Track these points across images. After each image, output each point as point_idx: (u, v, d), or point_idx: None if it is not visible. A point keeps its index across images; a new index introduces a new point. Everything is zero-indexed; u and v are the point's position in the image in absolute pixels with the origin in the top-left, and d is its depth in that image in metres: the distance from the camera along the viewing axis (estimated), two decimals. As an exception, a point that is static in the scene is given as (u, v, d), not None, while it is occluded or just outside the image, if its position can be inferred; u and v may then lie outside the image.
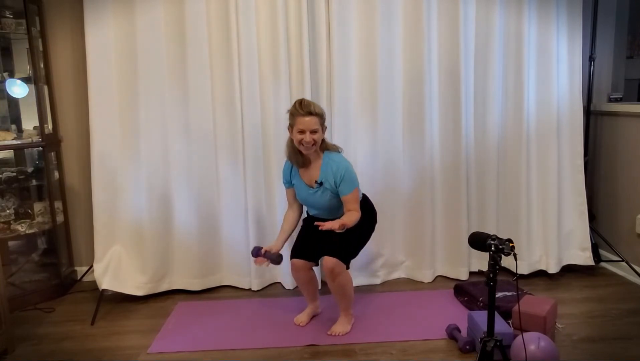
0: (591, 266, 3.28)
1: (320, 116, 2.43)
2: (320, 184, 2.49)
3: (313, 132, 2.40)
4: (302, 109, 2.40)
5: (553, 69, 3.14)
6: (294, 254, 2.61)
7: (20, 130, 3.19)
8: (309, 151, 2.46)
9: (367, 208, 2.63)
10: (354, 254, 2.57)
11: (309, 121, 2.39)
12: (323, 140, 2.52)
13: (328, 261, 2.44)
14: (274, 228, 3.16)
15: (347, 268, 2.50)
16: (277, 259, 2.55)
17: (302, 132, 2.40)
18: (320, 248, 2.57)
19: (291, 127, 2.47)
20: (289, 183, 2.64)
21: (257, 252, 2.56)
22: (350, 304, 2.61)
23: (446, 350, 2.41)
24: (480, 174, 3.25)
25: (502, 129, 3.21)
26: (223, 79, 3.01)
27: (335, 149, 2.56)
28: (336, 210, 2.55)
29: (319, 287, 3.15)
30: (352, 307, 2.64)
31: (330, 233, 2.43)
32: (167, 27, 2.97)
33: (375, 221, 2.69)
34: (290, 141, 2.52)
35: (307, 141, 2.40)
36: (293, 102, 3.02)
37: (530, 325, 2.32)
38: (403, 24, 3.07)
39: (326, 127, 2.53)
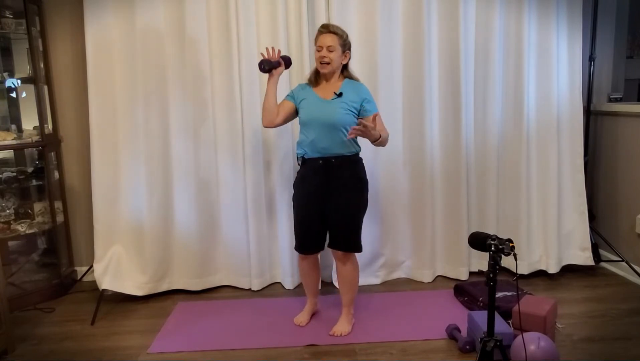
0: (591, 266, 3.28)
1: (340, 37, 2.44)
2: (340, 94, 2.46)
3: (329, 50, 2.41)
4: (323, 28, 2.45)
5: (553, 69, 3.14)
6: (300, 250, 2.60)
7: (20, 130, 3.19)
8: (325, 70, 2.45)
9: (361, 181, 2.53)
10: (360, 233, 2.55)
11: (325, 38, 2.41)
12: (346, 68, 2.54)
13: (342, 254, 2.53)
14: (274, 228, 3.17)
15: (361, 251, 2.56)
16: (285, 62, 2.50)
17: (319, 49, 2.43)
18: (323, 234, 2.56)
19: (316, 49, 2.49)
20: (291, 97, 2.56)
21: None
22: (354, 297, 2.62)
23: (446, 350, 2.41)
24: (480, 174, 3.25)
25: (502, 129, 3.21)
26: (223, 79, 3.01)
27: (357, 80, 2.57)
28: (340, 140, 2.43)
29: (319, 286, 3.16)
30: (353, 304, 2.65)
31: (329, 218, 2.49)
32: (167, 27, 2.97)
33: (368, 190, 2.57)
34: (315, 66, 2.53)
35: (322, 56, 2.42)
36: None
37: (530, 325, 2.32)
38: (403, 25, 3.07)
39: (349, 53, 2.51)
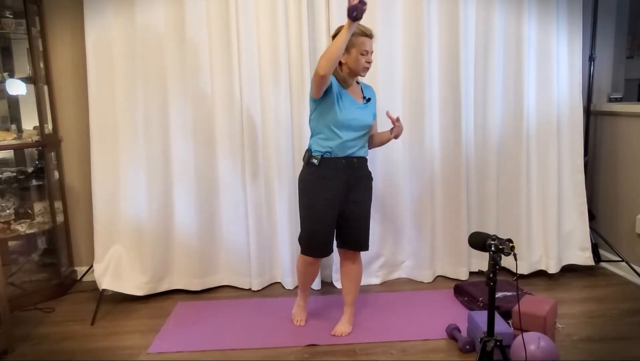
0: (591, 266, 3.28)
1: None
2: (368, 100, 2.51)
3: (372, 54, 2.42)
4: (368, 32, 2.38)
5: (553, 69, 3.14)
6: (320, 254, 2.49)
7: (20, 130, 3.19)
8: (365, 74, 2.46)
9: (371, 180, 2.58)
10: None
11: (371, 44, 2.40)
12: None
13: (353, 253, 2.55)
14: (274, 228, 3.17)
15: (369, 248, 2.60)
16: (352, 11, 2.15)
17: (365, 53, 2.38)
18: (332, 237, 2.51)
19: (349, 48, 2.38)
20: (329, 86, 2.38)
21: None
22: (357, 295, 2.63)
23: (446, 350, 2.41)
24: (480, 174, 3.25)
25: (502, 129, 3.21)
26: (223, 79, 3.01)
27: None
28: (366, 138, 2.53)
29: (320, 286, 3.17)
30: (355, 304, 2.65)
31: (348, 216, 2.49)
32: (167, 27, 2.97)
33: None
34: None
35: (370, 61, 2.40)
36: (292, 102, 3.05)
37: (530, 325, 2.32)
38: (403, 25, 3.07)
39: None
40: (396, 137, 2.49)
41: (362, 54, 2.38)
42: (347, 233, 2.51)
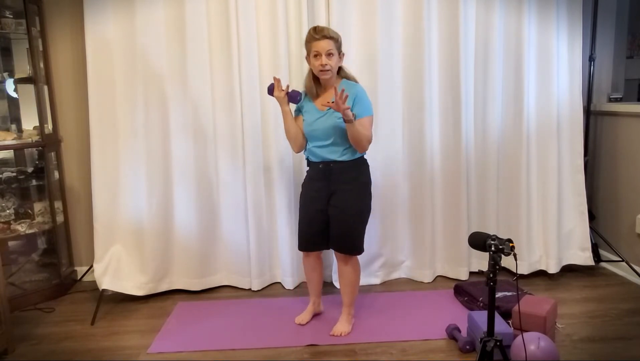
0: (591, 266, 3.28)
1: (336, 40, 2.39)
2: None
3: (329, 55, 2.37)
4: (316, 33, 2.37)
5: (553, 69, 3.14)
6: (303, 248, 2.63)
7: (20, 130, 3.19)
8: (326, 77, 2.41)
9: (361, 185, 2.51)
10: (362, 237, 2.54)
11: (323, 44, 2.35)
12: (341, 68, 2.52)
13: (341, 255, 2.53)
14: (274, 228, 3.17)
15: (362, 252, 2.56)
16: (296, 97, 2.49)
17: (317, 55, 2.37)
18: (322, 234, 2.56)
19: (308, 55, 2.44)
20: (298, 111, 2.58)
21: (274, 87, 2.49)
22: (354, 297, 2.62)
23: (446, 350, 2.41)
24: (481, 174, 3.25)
25: (502, 129, 3.21)
26: (223, 79, 3.01)
27: (354, 80, 2.53)
28: (340, 143, 2.44)
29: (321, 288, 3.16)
30: (354, 305, 2.65)
31: (332, 218, 2.49)
32: (167, 27, 2.97)
33: (371, 194, 2.57)
34: (309, 72, 2.50)
35: (324, 63, 2.35)
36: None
37: (530, 325, 2.32)
38: (403, 25, 3.07)
39: (344, 54, 2.48)
40: (347, 122, 2.30)
41: (314, 56, 2.38)
42: (332, 235, 2.53)
